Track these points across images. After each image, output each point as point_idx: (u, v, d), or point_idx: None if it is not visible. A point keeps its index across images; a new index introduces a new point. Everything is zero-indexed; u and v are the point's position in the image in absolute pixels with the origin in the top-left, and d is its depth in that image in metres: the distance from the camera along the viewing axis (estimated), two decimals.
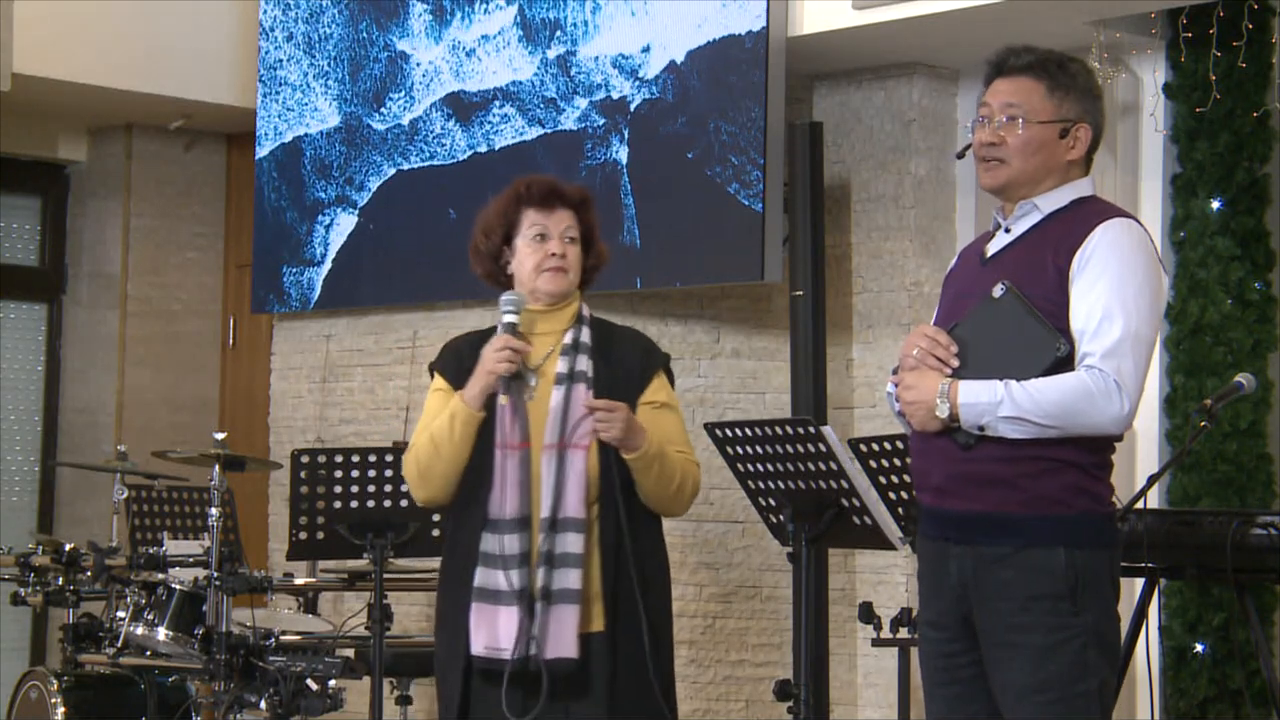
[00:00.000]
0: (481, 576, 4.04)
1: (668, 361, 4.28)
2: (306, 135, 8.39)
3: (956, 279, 3.80)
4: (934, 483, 3.63)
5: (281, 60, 8.52)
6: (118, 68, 8.45)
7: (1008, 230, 3.67)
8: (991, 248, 3.69)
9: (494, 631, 4.02)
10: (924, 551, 3.71)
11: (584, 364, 4.14)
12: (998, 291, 3.56)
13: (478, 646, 4.04)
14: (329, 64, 8.33)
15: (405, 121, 7.99)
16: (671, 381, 4.29)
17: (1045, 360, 3.49)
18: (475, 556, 4.06)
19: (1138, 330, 3.48)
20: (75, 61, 8.32)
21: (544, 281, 4.18)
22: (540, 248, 4.19)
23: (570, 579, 4.00)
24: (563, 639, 3.99)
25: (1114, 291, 3.48)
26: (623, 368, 4.18)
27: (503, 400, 4.04)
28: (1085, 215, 3.59)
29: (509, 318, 4.11)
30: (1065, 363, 3.49)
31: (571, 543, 4.01)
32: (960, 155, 3.84)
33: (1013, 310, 3.54)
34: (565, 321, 4.20)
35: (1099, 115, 3.68)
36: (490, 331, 4.22)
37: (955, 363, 3.57)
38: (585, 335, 4.19)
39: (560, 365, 4.13)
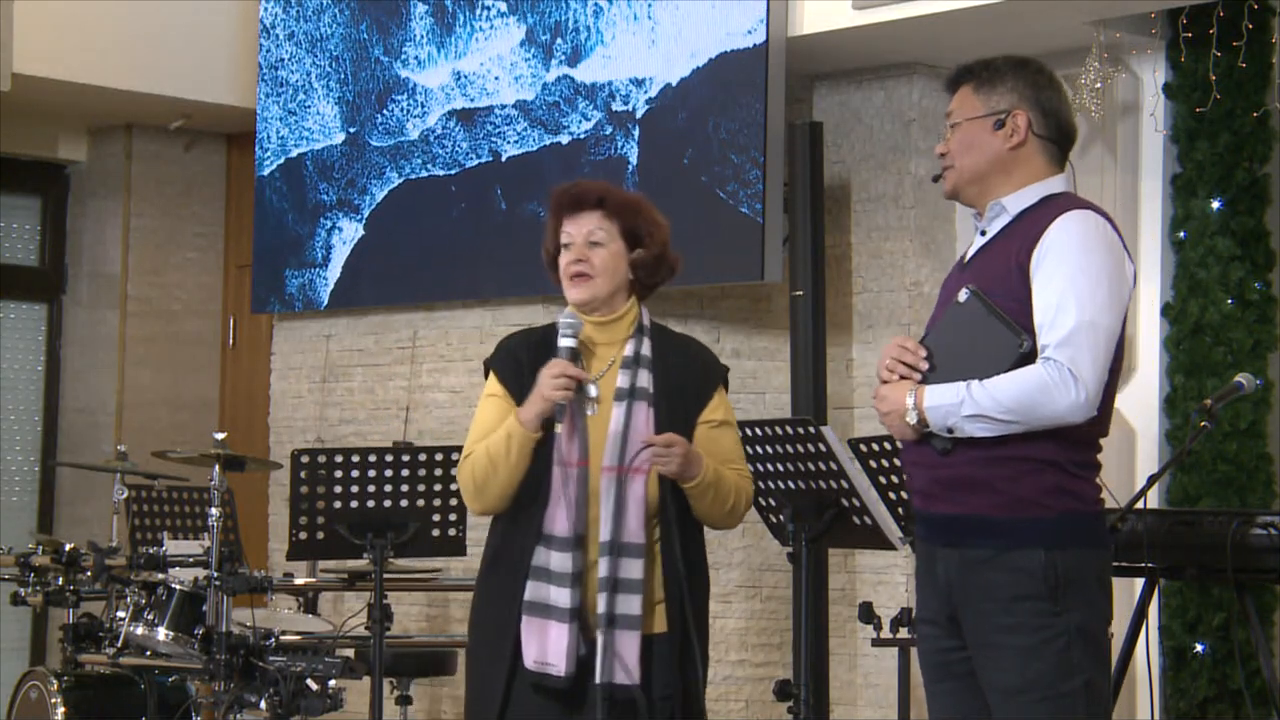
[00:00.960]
0: (532, 590, 4.01)
1: (726, 374, 4.23)
2: (310, 152, 8.38)
3: (943, 286, 3.86)
4: (918, 487, 3.70)
5: (283, 59, 8.51)
6: (118, 68, 8.45)
7: (983, 233, 3.72)
8: (969, 252, 3.75)
9: (544, 646, 3.99)
10: (918, 552, 3.78)
11: (644, 379, 4.08)
12: (962, 296, 3.61)
13: (528, 659, 4.01)
14: (330, 64, 8.33)
15: (413, 135, 7.96)
16: (727, 390, 4.23)
17: (1009, 358, 3.53)
18: (525, 570, 4.02)
19: (1093, 319, 3.50)
20: (75, 61, 8.32)
21: (569, 291, 4.11)
22: (566, 255, 4.11)
23: (632, 605, 3.98)
24: (629, 663, 3.97)
25: (1069, 282, 3.51)
26: (682, 384, 4.12)
27: (559, 428, 4.00)
28: (1047, 211, 3.62)
29: (567, 342, 4.05)
30: (1030, 358, 3.53)
31: (632, 568, 3.99)
32: (936, 179, 3.86)
33: (976, 312, 3.58)
34: (624, 331, 4.13)
35: (1050, 100, 3.70)
36: (547, 330, 4.16)
37: (924, 366, 3.62)
38: (645, 347, 4.12)
39: (621, 380, 4.07)
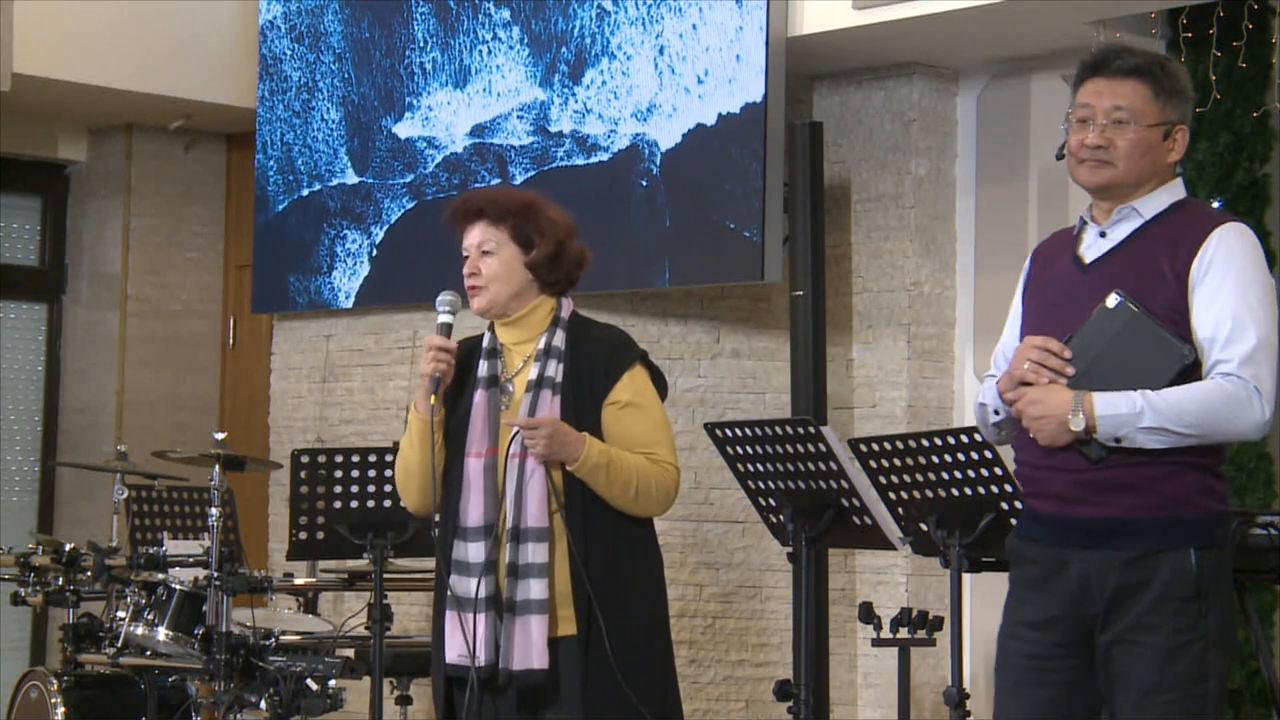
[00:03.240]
0: (454, 584, 4.04)
1: (643, 358, 4.19)
2: (321, 190, 8.35)
3: (1046, 286, 3.74)
4: (1057, 491, 3.59)
5: (284, 56, 8.50)
6: (118, 68, 8.45)
7: (1103, 235, 3.64)
8: (1088, 254, 3.66)
9: (466, 639, 4.01)
10: (1030, 554, 3.67)
11: (553, 369, 4.10)
12: (1112, 301, 3.53)
13: (451, 654, 4.04)
14: (334, 63, 8.31)
15: (426, 169, 7.93)
16: (658, 378, 4.21)
17: (1173, 369, 3.48)
18: (449, 566, 4.07)
19: (1268, 337, 3.50)
20: (75, 61, 8.32)
21: (470, 302, 4.19)
22: (464, 267, 4.19)
23: (534, 589, 3.98)
24: (530, 650, 3.97)
25: (1241, 298, 3.50)
26: (590, 370, 4.12)
27: (432, 401, 4.07)
28: (1193, 219, 3.59)
29: (443, 317, 4.15)
30: (1192, 370, 3.49)
31: (534, 552, 3.99)
32: (1060, 156, 3.73)
33: (1133, 319, 3.51)
34: (538, 327, 4.17)
35: (1191, 117, 3.69)
36: (476, 341, 4.25)
37: (1070, 371, 3.55)
38: (559, 339, 4.14)
39: (532, 371, 4.11)
